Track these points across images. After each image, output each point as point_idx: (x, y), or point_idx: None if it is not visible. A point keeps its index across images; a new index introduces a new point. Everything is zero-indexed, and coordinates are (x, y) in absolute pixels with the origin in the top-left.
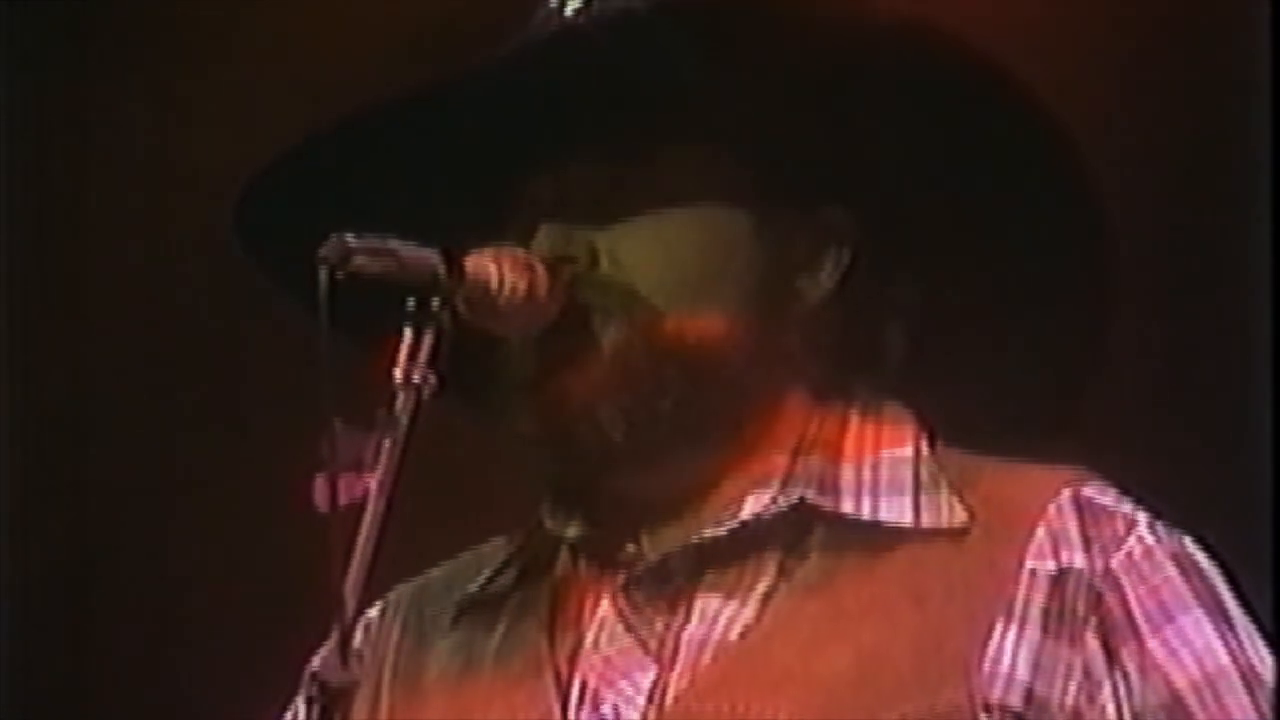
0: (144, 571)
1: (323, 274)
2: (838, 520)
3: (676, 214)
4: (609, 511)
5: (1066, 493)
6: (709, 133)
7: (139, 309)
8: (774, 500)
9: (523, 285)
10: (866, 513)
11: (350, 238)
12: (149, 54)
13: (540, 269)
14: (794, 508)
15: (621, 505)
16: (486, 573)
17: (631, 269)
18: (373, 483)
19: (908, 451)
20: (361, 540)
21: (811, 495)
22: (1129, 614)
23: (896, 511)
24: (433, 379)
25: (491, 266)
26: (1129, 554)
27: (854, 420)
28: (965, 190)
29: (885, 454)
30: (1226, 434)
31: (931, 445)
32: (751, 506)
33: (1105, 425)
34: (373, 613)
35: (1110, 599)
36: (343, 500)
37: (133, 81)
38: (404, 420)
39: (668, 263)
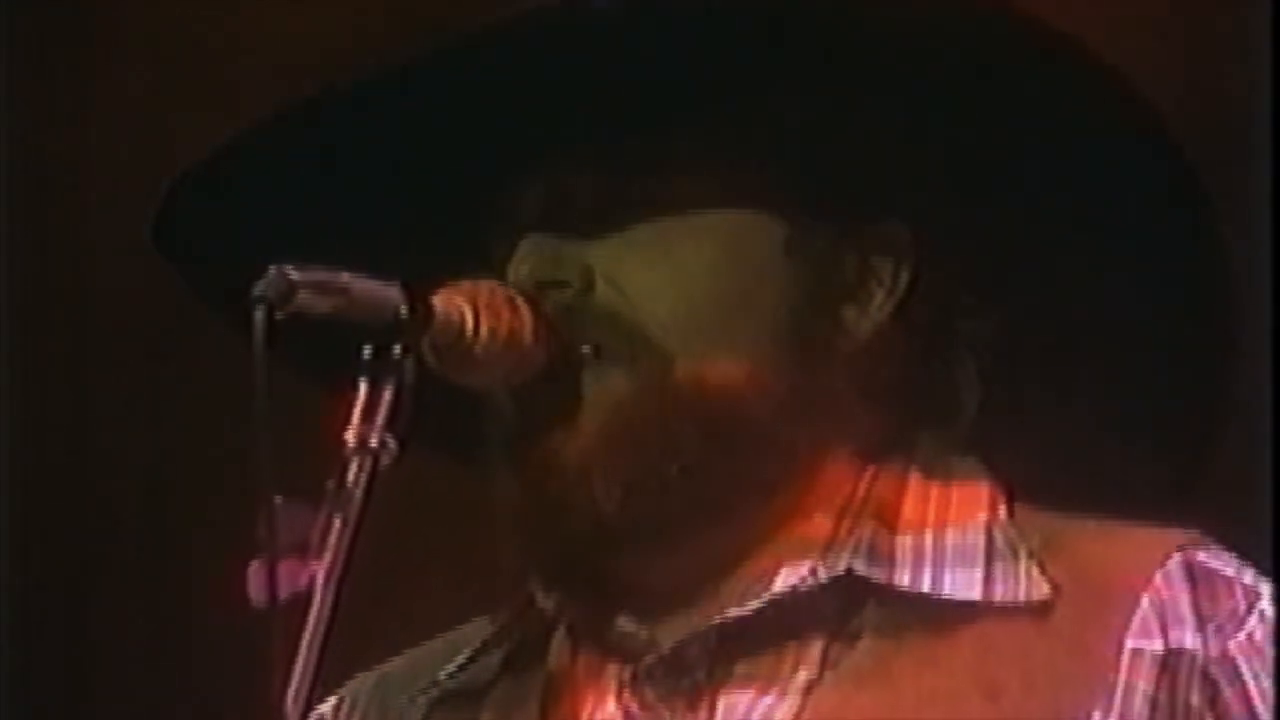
0: (145, 575)
1: (258, 315)
2: (892, 596)
3: (691, 226)
4: (610, 590)
5: (1177, 558)
6: (734, 125)
7: (141, 306)
8: (813, 571)
9: (503, 328)
10: (927, 585)
11: (292, 270)
12: (149, 43)
13: (524, 308)
14: (837, 580)
15: (625, 584)
16: (464, 655)
17: (635, 297)
18: (319, 571)
19: (980, 516)
20: (305, 641)
21: (860, 566)
22: (1251, 711)
23: (964, 584)
24: (392, 443)
25: (465, 305)
26: (1250, 635)
27: (914, 479)
28: (1052, 199)
29: (952, 518)
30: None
31: (1009, 508)
32: (785, 579)
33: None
34: (325, 708)
35: (1229, 692)
36: (283, 592)
37: (133, 71)
38: (357, 494)
39: (680, 289)
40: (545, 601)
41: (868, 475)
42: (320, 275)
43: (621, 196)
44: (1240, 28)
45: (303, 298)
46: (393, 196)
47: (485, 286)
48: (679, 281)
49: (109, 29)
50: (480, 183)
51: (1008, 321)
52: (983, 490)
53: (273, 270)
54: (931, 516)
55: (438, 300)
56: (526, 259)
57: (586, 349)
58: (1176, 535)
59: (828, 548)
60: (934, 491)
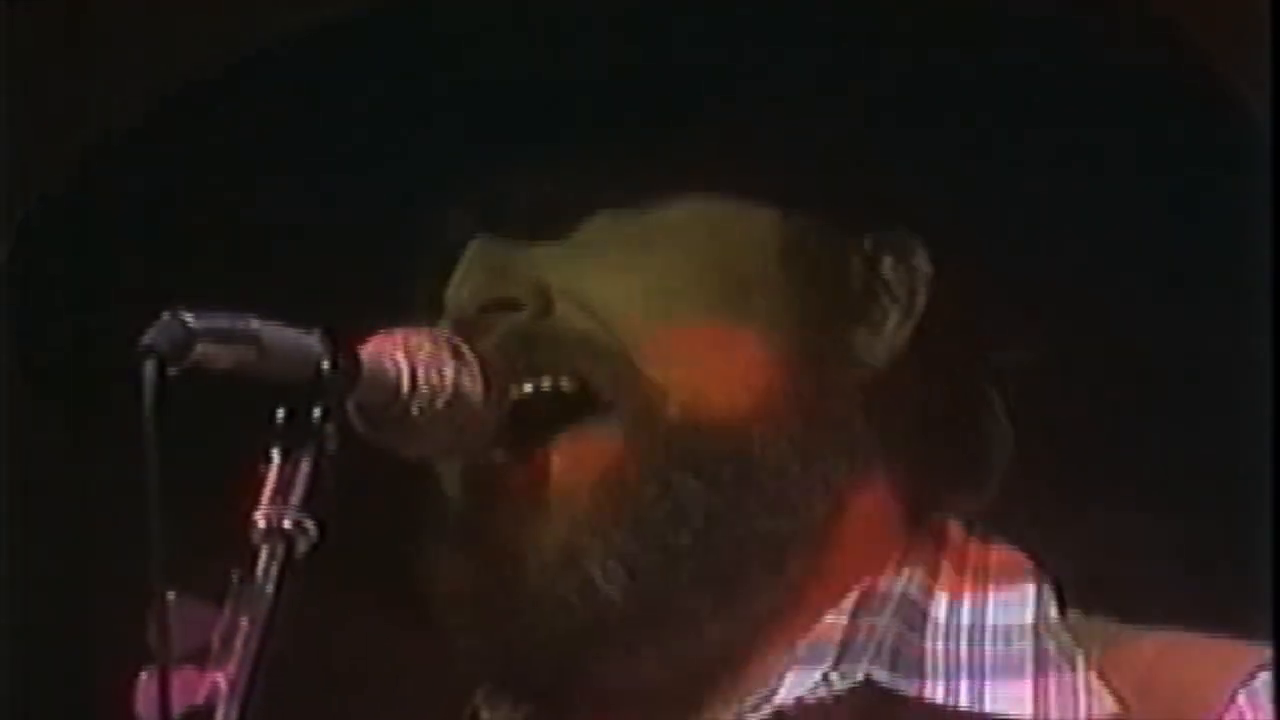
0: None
1: (149, 369)
2: (925, 714)
3: (668, 229)
4: (582, 698)
5: (1263, 678)
6: (724, 111)
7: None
8: (825, 678)
9: (447, 385)
10: (965, 699)
11: (189, 316)
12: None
13: (472, 358)
14: (854, 691)
15: (602, 690)
16: None
17: (606, 317)
18: (222, 681)
19: (1027, 615)
20: None
21: (882, 675)
22: None
23: (1010, 699)
24: (310, 526)
25: (400, 357)
26: None
27: (947, 564)
28: (1113, 204)
29: (994, 619)
30: None
31: (1061, 608)
32: (792, 687)
33: None
34: None
35: None
36: (178, 707)
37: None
38: (268, 588)
39: (658, 303)
40: (492, 716)
41: (892, 559)
42: (223, 322)
43: (573, 192)
44: (1240, 28)
45: (202, 349)
46: (318, 184)
47: (425, 334)
48: (655, 294)
49: (107, 25)
50: (401, 198)
51: (1048, 355)
52: (1029, 584)
53: (166, 316)
54: (969, 616)
55: (366, 352)
56: (466, 278)
57: (547, 384)
58: (1261, 649)
59: (842, 650)
60: (969, 581)
